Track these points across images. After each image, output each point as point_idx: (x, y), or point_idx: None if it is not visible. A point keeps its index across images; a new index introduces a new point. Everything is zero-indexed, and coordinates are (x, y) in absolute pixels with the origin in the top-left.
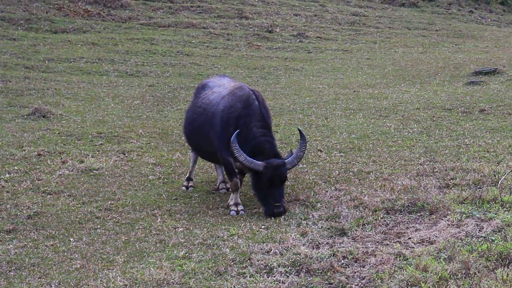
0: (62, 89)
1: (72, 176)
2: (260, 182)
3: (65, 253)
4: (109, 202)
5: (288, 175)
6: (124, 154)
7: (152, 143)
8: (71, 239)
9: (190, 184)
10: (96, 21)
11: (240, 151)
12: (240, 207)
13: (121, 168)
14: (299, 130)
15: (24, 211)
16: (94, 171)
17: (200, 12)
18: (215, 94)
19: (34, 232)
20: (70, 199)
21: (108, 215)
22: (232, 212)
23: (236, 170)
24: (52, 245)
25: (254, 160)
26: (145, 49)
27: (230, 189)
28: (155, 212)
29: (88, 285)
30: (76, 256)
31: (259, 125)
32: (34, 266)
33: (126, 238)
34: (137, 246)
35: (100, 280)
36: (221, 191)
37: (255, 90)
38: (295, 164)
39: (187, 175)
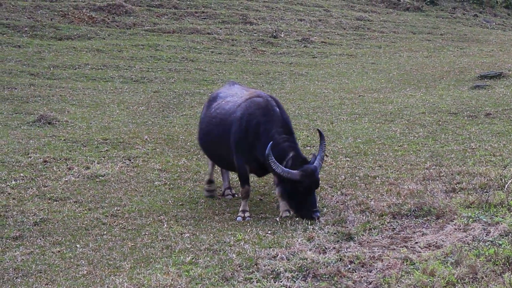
0: (67, 95)
1: (78, 183)
2: (295, 190)
3: (72, 260)
4: (115, 208)
5: None
6: (130, 160)
7: (157, 149)
8: (78, 246)
9: (212, 188)
10: (100, 27)
11: (277, 163)
12: (247, 214)
13: (127, 174)
14: (318, 130)
15: (31, 218)
16: (100, 177)
17: (204, 18)
18: (230, 104)
19: (40, 239)
20: (76, 205)
21: (114, 221)
22: (239, 218)
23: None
24: (59, 251)
25: (290, 171)
26: (149, 55)
27: (240, 195)
28: (161, 218)
29: None
30: (83, 262)
31: (280, 131)
32: (40, 272)
33: (132, 244)
34: (143, 252)
35: (107, 286)
36: (227, 197)
37: (273, 96)
38: (321, 166)
39: (207, 177)
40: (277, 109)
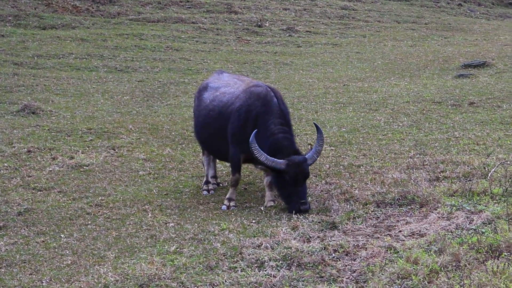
0: (51, 85)
1: (62, 172)
2: (282, 181)
3: (56, 249)
4: (100, 198)
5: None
6: (114, 150)
7: (142, 139)
8: (62, 235)
9: (210, 188)
10: (85, 16)
11: (260, 151)
12: (232, 203)
13: (111, 164)
14: (315, 124)
15: (15, 208)
16: (84, 167)
17: (189, 7)
18: (227, 96)
19: (24, 229)
20: (60, 195)
21: (99, 211)
22: (223, 207)
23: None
24: (43, 241)
25: (275, 159)
26: (134, 45)
27: (227, 184)
28: (145, 208)
29: (79, 281)
30: (67, 252)
31: (277, 122)
32: (25, 262)
33: (117, 233)
34: (128, 241)
35: (91, 276)
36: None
37: (272, 86)
38: (315, 159)
39: (205, 178)
40: (275, 99)
